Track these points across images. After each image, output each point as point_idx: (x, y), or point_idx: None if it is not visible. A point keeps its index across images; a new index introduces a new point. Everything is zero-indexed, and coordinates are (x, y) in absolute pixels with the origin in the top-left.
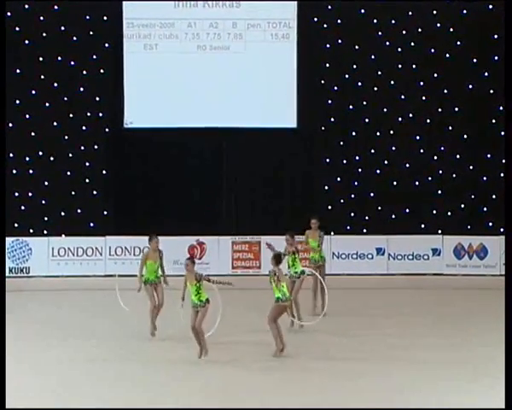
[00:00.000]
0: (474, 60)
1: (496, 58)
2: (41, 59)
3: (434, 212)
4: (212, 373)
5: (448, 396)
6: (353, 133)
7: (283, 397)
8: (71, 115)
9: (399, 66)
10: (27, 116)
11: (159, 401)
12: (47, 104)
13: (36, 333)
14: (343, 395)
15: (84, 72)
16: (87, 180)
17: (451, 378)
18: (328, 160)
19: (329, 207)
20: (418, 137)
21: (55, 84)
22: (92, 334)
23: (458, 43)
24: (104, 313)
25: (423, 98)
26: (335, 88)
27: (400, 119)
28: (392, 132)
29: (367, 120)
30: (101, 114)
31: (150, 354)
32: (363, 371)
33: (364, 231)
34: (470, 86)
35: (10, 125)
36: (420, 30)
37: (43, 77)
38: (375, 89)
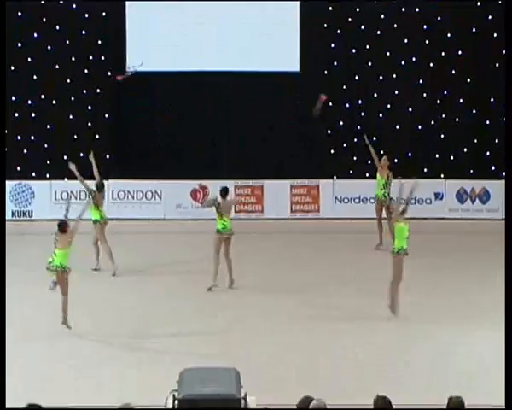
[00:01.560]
0: (478, 3)
1: (499, 1)
2: (42, 1)
3: (437, 156)
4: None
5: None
6: (356, 77)
7: None
8: (73, 59)
9: (402, 9)
10: (29, 59)
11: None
12: (49, 47)
13: (38, 276)
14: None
15: (86, 15)
16: (89, 124)
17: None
18: (330, 104)
19: (332, 152)
20: (421, 81)
21: (57, 27)
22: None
23: None
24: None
25: (426, 42)
26: (338, 32)
27: (403, 62)
28: (394, 76)
29: (370, 64)
30: (103, 58)
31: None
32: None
33: (367, 175)
34: (474, 29)
35: (12, 68)
36: None
37: (44, 20)
38: (378, 32)
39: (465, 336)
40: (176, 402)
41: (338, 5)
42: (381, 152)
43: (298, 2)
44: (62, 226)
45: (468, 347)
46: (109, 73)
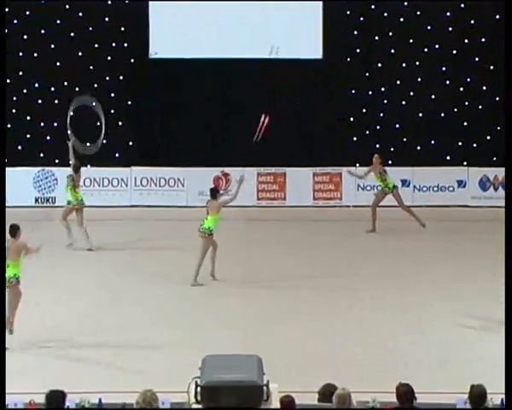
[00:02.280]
0: None
1: None
2: None
3: (460, 143)
4: None
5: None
6: (379, 64)
7: None
8: (96, 46)
9: None
10: (52, 46)
11: None
12: (72, 34)
13: (61, 260)
14: None
15: (109, 1)
16: (112, 111)
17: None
18: (353, 91)
19: (354, 139)
20: (444, 69)
21: (80, 14)
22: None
23: None
24: (127, 243)
25: (449, 29)
26: (361, 19)
27: (426, 50)
28: (417, 64)
29: (392, 51)
30: (126, 45)
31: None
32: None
33: (389, 162)
34: (497, 16)
35: (35, 55)
36: None
37: (67, 6)
38: (401, 20)
39: None
40: (198, 389)
41: None
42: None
43: None
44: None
45: None
46: (132, 60)
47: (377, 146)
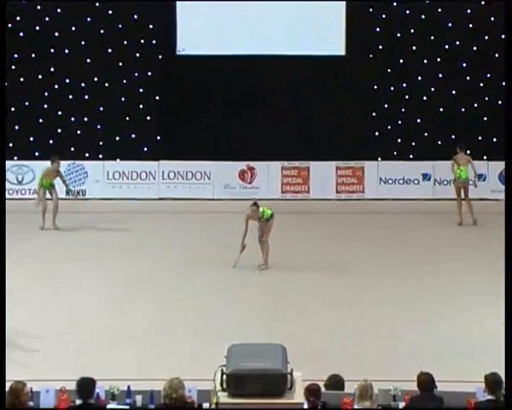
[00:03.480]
0: None
1: None
2: None
3: (480, 138)
4: None
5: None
6: (401, 61)
7: None
8: (125, 42)
9: None
10: (82, 43)
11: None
12: (102, 31)
13: (92, 252)
14: None
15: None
16: (141, 106)
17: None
18: (375, 87)
19: (377, 134)
20: (465, 65)
21: (110, 12)
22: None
23: None
24: (156, 234)
25: (470, 26)
26: (383, 16)
27: (447, 46)
28: (439, 60)
29: (414, 48)
30: (154, 42)
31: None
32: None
33: (411, 156)
34: None
35: (66, 51)
36: None
37: (97, 4)
38: (423, 17)
39: None
40: (224, 377)
41: None
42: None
43: None
44: None
45: None
46: (160, 57)
47: (399, 140)
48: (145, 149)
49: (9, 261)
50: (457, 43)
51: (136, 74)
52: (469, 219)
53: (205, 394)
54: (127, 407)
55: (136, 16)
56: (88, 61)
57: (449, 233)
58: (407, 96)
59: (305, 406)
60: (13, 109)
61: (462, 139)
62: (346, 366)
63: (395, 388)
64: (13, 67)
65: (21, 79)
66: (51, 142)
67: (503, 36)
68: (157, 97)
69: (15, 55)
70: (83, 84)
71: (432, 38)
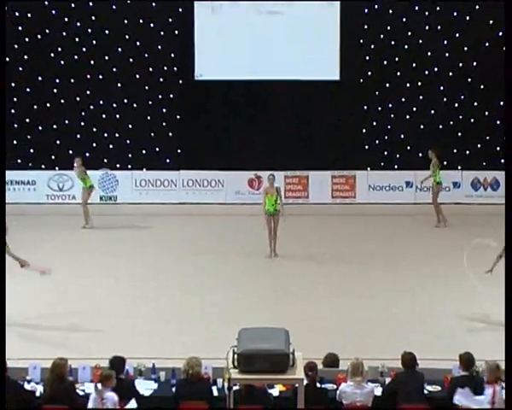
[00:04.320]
0: (490, 21)
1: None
2: (125, 21)
3: (455, 151)
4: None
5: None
6: (387, 85)
7: None
8: (150, 69)
9: (426, 27)
10: (114, 69)
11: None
12: (131, 60)
13: (122, 247)
14: None
15: (162, 32)
16: (164, 124)
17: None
18: (365, 107)
19: (366, 147)
20: (442, 88)
21: (137, 43)
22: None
23: (476, 7)
24: (176, 232)
25: (446, 55)
26: (372, 46)
27: (427, 72)
28: (419, 84)
29: (398, 74)
30: (175, 68)
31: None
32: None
33: (396, 166)
34: (486, 44)
35: (100, 77)
36: None
37: (127, 37)
38: (406, 47)
39: None
40: (235, 356)
41: (372, 24)
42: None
43: (338, 23)
44: None
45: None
46: (180, 81)
47: (385, 153)
48: (167, 160)
49: (53, 254)
50: (435, 69)
51: (160, 96)
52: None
53: (219, 371)
54: (154, 382)
55: (159, 47)
56: (119, 85)
57: (429, 232)
58: (392, 115)
59: (305, 381)
60: (55, 127)
61: (440, 152)
62: (341, 346)
63: (382, 365)
64: (54, 90)
65: (62, 101)
66: (87, 154)
67: (474, 63)
68: (178, 116)
69: (57, 80)
70: (114, 105)
71: (414, 65)
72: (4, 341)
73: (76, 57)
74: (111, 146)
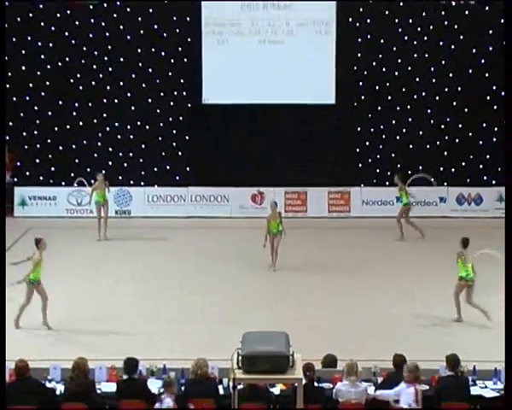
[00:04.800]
0: (473, 50)
1: (490, 49)
2: (139, 50)
3: (441, 169)
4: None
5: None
6: (379, 108)
7: None
8: (161, 94)
9: (415, 55)
10: (128, 94)
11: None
12: (143, 85)
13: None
14: None
15: (172, 60)
16: (174, 144)
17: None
18: (359, 128)
19: (360, 165)
20: (429, 111)
21: (150, 70)
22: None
23: (461, 37)
24: (185, 243)
25: (433, 81)
26: (365, 73)
27: (415, 97)
28: (409, 107)
29: (389, 98)
30: (184, 93)
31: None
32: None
33: (387, 183)
34: (470, 71)
35: (116, 100)
36: (431, 27)
37: (140, 64)
38: (396, 73)
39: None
40: (239, 357)
41: (365, 53)
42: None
43: (334, 51)
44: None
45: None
46: (189, 105)
47: (377, 171)
48: (177, 177)
49: (72, 264)
50: (423, 94)
51: (170, 119)
52: (410, 233)
53: (224, 371)
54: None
55: (170, 73)
56: (132, 108)
57: (417, 242)
58: (384, 136)
59: (304, 380)
60: (74, 147)
61: (428, 169)
62: (338, 348)
63: (375, 366)
64: (74, 113)
65: (80, 123)
66: (103, 172)
67: (459, 89)
68: (186, 137)
69: (76, 104)
70: (128, 127)
71: (403, 89)
72: (4, 341)
73: (93, 83)
74: (125, 164)
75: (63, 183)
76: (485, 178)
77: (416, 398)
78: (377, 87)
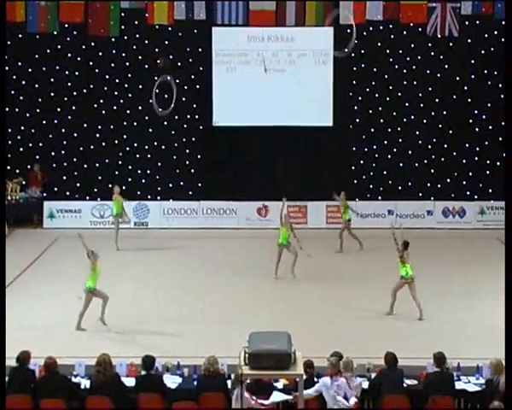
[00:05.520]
0: (457, 78)
1: (472, 77)
2: (155, 78)
3: (428, 185)
4: None
5: None
6: (372, 130)
7: None
8: (176, 117)
9: (404, 82)
10: (146, 117)
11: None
12: (160, 109)
13: (152, 264)
14: None
15: (185, 87)
16: (187, 162)
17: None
18: (354, 148)
19: (355, 182)
20: (418, 132)
21: (165, 96)
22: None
23: (446, 66)
24: (197, 252)
25: (421, 105)
26: (359, 98)
27: (405, 119)
28: (399, 129)
29: (382, 121)
30: (196, 116)
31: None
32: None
33: (379, 198)
34: (454, 97)
35: (135, 123)
36: (419, 57)
37: (157, 91)
38: (387, 99)
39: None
40: (246, 355)
41: (360, 80)
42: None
43: (331, 79)
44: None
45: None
46: (201, 127)
47: (371, 186)
48: (190, 192)
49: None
50: (412, 117)
51: (184, 139)
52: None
53: (232, 367)
54: (179, 376)
55: (183, 98)
56: (150, 130)
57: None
58: (376, 155)
59: (305, 376)
60: (97, 165)
61: (416, 185)
62: (334, 347)
63: (369, 363)
64: (97, 135)
65: (103, 144)
66: (124, 188)
67: (444, 112)
68: (198, 156)
69: (99, 127)
70: (146, 147)
71: (394, 113)
72: (4, 341)
73: (115, 108)
74: (143, 180)
75: (87, 197)
76: (467, 193)
77: (350, 386)
78: (370, 111)
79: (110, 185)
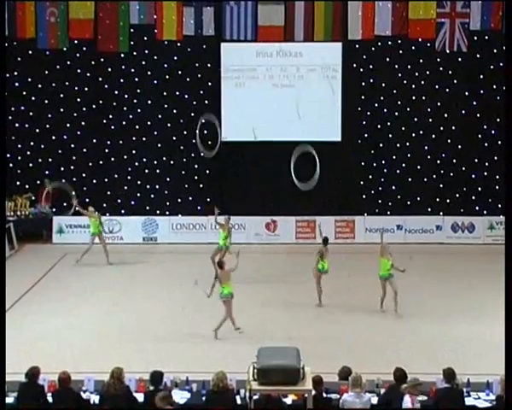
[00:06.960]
0: (466, 93)
1: (481, 92)
2: (165, 93)
3: (438, 200)
4: None
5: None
6: (381, 145)
7: None
8: (185, 132)
9: (413, 97)
10: (155, 133)
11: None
12: (168, 125)
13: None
14: None
15: (194, 102)
16: (195, 177)
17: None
18: (362, 163)
19: (364, 197)
20: (426, 148)
21: (174, 111)
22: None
23: (454, 81)
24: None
25: (430, 120)
26: (368, 113)
27: (413, 134)
28: (407, 144)
29: (390, 136)
30: (205, 132)
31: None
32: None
33: (388, 212)
34: (463, 112)
35: (144, 139)
36: (428, 73)
37: (166, 106)
38: (396, 113)
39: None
40: (255, 370)
41: (368, 95)
42: None
43: (340, 93)
44: (220, 265)
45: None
46: (209, 142)
47: (379, 201)
48: (198, 207)
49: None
50: (421, 132)
51: (192, 155)
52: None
53: (241, 382)
54: (187, 392)
55: (192, 114)
56: (159, 145)
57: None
58: (385, 170)
59: (313, 391)
60: (106, 180)
61: (425, 200)
62: (343, 363)
63: (378, 379)
64: (106, 150)
65: (112, 159)
66: (132, 203)
67: (453, 127)
68: (207, 171)
69: (108, 142)
70: (155, 162)
71: (403, 128)
72: (4, 345)
73: (124, 123)
74: (152, 196)
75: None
76: (477, 208)
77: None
78: (379, 126)
79: (119, 200)
